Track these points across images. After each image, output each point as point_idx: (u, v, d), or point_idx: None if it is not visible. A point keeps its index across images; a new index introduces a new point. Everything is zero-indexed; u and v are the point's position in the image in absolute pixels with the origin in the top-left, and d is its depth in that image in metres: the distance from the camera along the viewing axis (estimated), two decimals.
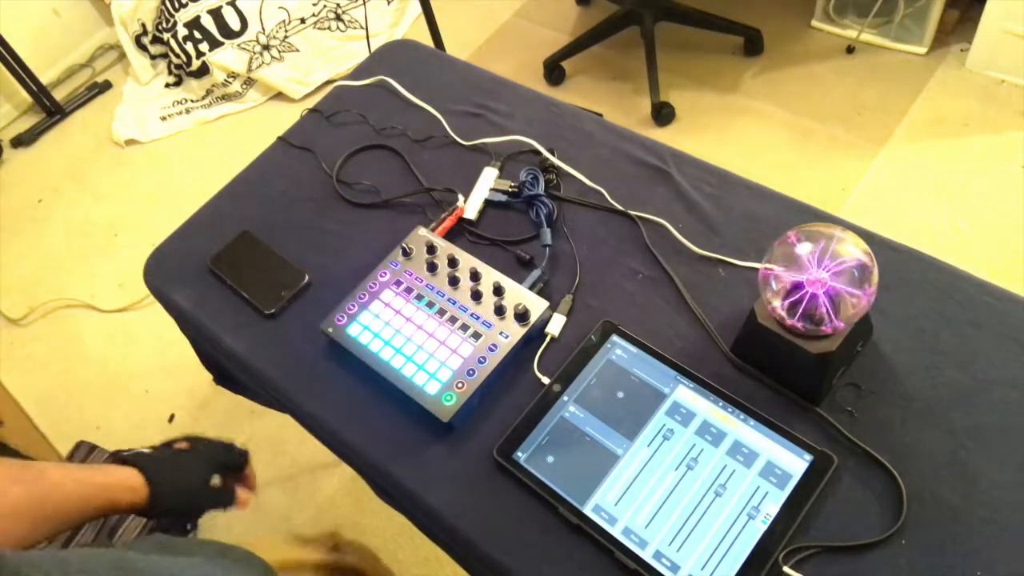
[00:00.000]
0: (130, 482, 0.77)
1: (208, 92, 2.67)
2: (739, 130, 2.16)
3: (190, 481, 0.82)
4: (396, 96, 1.26)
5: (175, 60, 2.69)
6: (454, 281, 0.97)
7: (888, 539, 0.74)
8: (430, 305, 0.96)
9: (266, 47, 2.65)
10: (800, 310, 0.78)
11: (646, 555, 0.76)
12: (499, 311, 0.93)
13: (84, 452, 1.50)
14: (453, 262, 0.99)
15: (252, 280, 1.07)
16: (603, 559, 0.78)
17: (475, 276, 0.97)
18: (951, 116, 2.04)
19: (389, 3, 2.76)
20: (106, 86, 2.85)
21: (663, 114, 2.17)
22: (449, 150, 1.17)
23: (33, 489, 0.70)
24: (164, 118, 2.66)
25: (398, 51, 1.38)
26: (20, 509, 0.69)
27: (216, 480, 0.85)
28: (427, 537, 0.92)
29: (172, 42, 2.65)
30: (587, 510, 0.80)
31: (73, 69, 2.92)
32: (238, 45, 2.66)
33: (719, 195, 1.03)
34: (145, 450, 0.82)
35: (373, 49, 1.42)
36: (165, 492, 0.79)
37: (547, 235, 1.01)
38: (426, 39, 1.84)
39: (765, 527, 0.76)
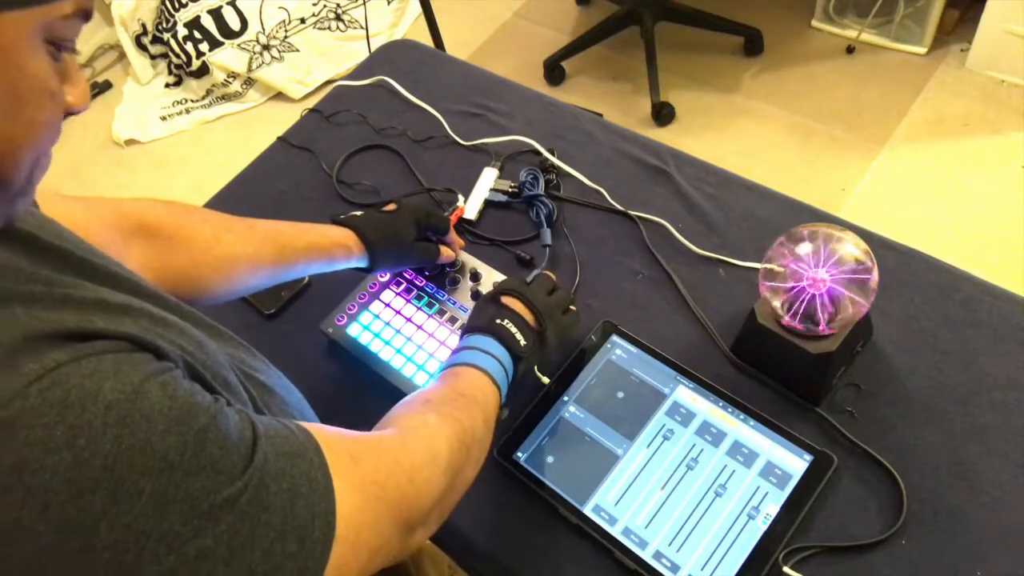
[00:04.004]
0: (345, 241, 0.86)
1: (208, 92, 2.67)
2: (739, 130, 2.15)
3: (400, 238, 0.91)
4: (396, 96, 1.26)
5: (175, 60, 2.69)
6: (454, 281, 0.97)
7: (888, 539, 0.74)
8: (430, 305, 0.96)
9: (266, 47, 2.65)
10: (800, 310, 0.78)
11: (646, 555, 0.76)
12: None
13: None
14: (453, 262, 0.99)
15: None
16: (603, 559, 0.78)
17: (475, 276, 0.97)
18: (951, 116, 2.04)
19: (389, 3, 2.76)
20: (106, 86, 2.84)
21: (663, 114, 2.17)
22: (449, 150, 1.17)
23: (248, 236, 0.80)
24: (164, 118, 2.65)
25: (398, 51, 1.38)
26: (236, 253, 0.78)
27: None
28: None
29: (172, 42, 2.65)
30: (587, 510, 0.80)
31: None
32: (238, 45, 2.65)
33: (719, 195, 1.03)
34: (356, 213, 0.91)
35: (373, 49, 1.42)
36: (379, 250, 0.88)
37: (547, 235, 1.01)
38: (426, 39, 1.84)
39: (765, 527, 0.76)
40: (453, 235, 0.98)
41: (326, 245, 0.85)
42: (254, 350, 0.61)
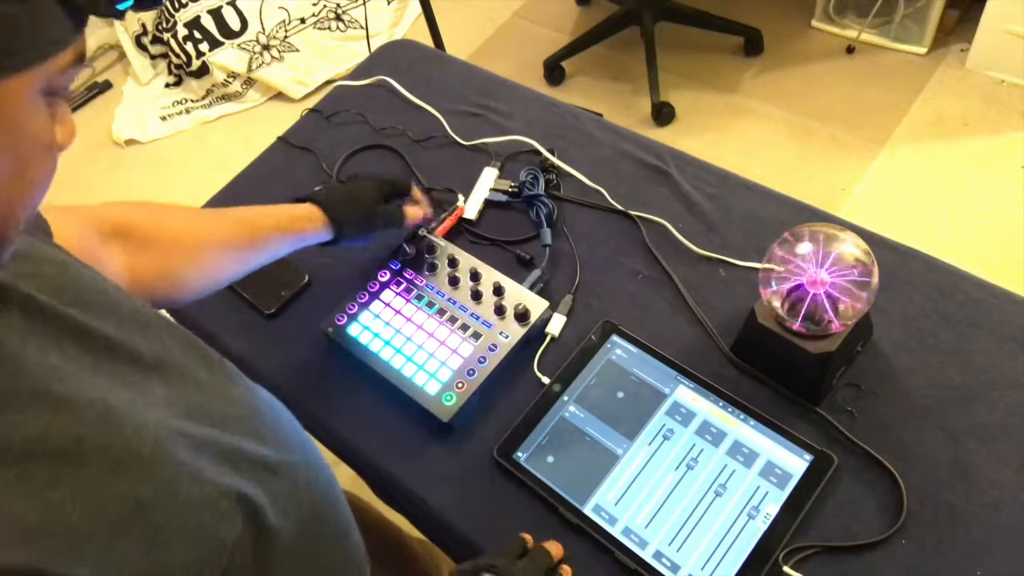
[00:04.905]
0: (309, 215, 0.88)
1: (208, 92, 2.67)
2: (739, 130, 2.15)
3: (362, 204, 0.91)
4: (396, 96, 1.26)
5: (175, 60, 2.69)
6: (454, 281, 0.97)
7: (888, 539, 0.74)
8: (430, 305, 0.96)
9: (266, 47, 2.65)
10: (800, 310, 0.78)
11: (646, 555, 0.76)
12: (499, 311, 0.93)
13: None
14: (453, 262, 0.99)
15: (252, 280, 1.06)
16: (603, 559, 0.78)
17: (475, 276, 0.97)
18: (951, 116, 2.04)
19: (389, 3, 2.76)
20: (106, 86, 2.84)
21: (663, 114, 2.17)
22: (449, 150, 1.17)
23: (218, 222, 0.81)
24: (164, 118, 2.65)
25: (398, 51, 1.38)
26: (208, 239, 0.80)
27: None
28: (427, 537, 0.92)
29: (172, 42, 2.64)
30: (587, 510, 0.80)
31: None
32: (238, 45, 2.65)
33: (719, 195, 1.03)
34: (317, 188, 0.92)
35: (373, 49, 1.42)
36: (342, 218, 0.89)
37: (547, 235, 1.01)
38: (426, 39, 1.84)
39: (765, 527, 0.76)
40: (418, 194, 0.99)
41: (293, 222, 0.87)
42: (256, 391, 0.58)
